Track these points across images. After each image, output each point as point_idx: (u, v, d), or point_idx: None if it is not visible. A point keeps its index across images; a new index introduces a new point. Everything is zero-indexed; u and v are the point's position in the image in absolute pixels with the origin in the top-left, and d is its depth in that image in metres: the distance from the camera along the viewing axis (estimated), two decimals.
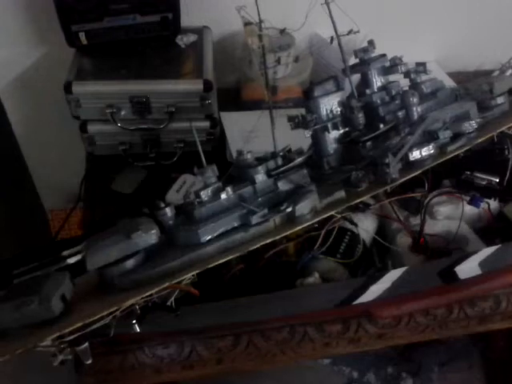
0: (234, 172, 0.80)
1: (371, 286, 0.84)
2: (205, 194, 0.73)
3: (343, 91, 0.86)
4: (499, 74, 1.07)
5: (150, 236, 0.67)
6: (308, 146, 0.86)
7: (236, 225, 0.72)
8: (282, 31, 0.91)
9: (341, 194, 0.77)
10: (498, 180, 1.05)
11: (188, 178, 1.09)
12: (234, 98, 1.30)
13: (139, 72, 1.09)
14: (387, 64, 0.90)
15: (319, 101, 0.82)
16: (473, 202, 1.00)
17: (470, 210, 1.03)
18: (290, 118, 0.83)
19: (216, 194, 0.73)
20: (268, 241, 0.69)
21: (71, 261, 0.65)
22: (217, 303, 0.77)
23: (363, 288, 0.84)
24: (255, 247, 0.68)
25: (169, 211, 0.71)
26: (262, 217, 0.71)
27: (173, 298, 0.68)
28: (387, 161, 0.78)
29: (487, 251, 0.90)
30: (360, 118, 0.82)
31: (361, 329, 0.93)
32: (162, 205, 0.73)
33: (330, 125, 0.81)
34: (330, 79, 0.84)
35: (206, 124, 1.12)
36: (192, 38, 1.19)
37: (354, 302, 0.85)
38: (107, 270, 0.65)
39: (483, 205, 1.01)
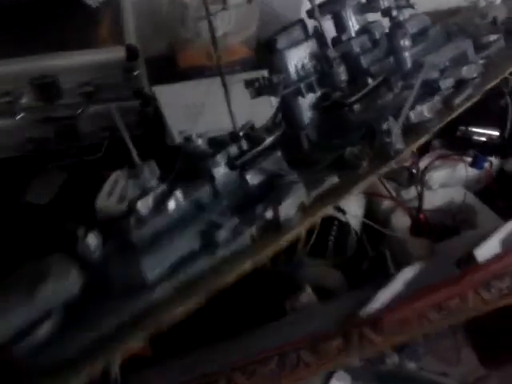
0: (182, 164, 0.58)
1: (379, 292, 0.64)
2: (143, 206, 0.51)
3: (313, 40, 0.64)
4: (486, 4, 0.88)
5: (64, 286, 0.45)
6: (272, 119, 0.64)
7: (197, 247, 0.50)
8: None
9: (333, 179, 0.56)
10: (498, 133, 0.88)
11: (121, 176, 0.85)
12: (168, 68, 1.05)
13: (38, 44, 0.83)
14: (363, 0, 0.69)
15: (285, 54, 0.60)
16: (475, 163, 0.82)
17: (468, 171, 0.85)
18: (249, 83, 0.61)
19: (160, 204, 0.51)
20: (247, 265, 0.48)
21: None
22: (178, 359, 0.55)
23: (369, 297, 0.64)
24: (230, 279, 0.47)
25: (92, 241, 0.48)
26: (233, 230, 0.49)
27: (116, 370, 0.45)
28: (386, 126, 0.57)
29: (508, 227, 0.72)
30: (341, 72, 0.61)
31: (364, 340, 0.74)
32: (81, 232, 0.50)
33: (303, 86, 0.60)
34: (295, 25, 0.62)
35: (135, 102, 0.88)
36: None
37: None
38: (7, 349, 0.42)
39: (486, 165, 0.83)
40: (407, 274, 0.65)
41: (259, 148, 0.55)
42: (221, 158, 0.54)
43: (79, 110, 0.85)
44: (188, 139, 0.56)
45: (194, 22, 0.94)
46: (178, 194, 0.52)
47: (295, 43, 0.61)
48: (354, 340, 0.74)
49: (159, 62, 1.04)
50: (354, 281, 0.72)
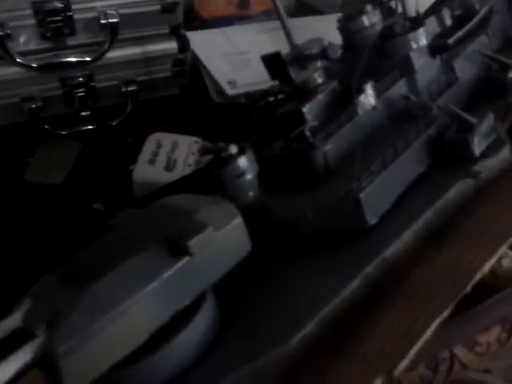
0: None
1: None
2: (313, 111, 0.31)
3: None
4: None
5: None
6: None
7: (423, 168, 0.33)
8: None
9: None
10: None
11: (164, 138, 0.63)
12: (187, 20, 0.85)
13: None
14: None
15: None
16: None
17: None
18: None
19: (335, 107, 0.32)
20: None
21: None
22: None
23: None
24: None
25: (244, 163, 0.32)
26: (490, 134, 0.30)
27: None
28: None
29: None
30: None
31: None
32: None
33: None
34: None
35: (173, 45, 0.66)
36: None
37: None
38: None
39: None
40: None
41: (471, 24, 0.35)
42: (420, 35, 0.33)
43: (100, 51, 0.61)
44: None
45: None
46: (369, 89, 0.32)
47: None
48: None
49: None
50: None
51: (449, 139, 0.33)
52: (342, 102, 0.35)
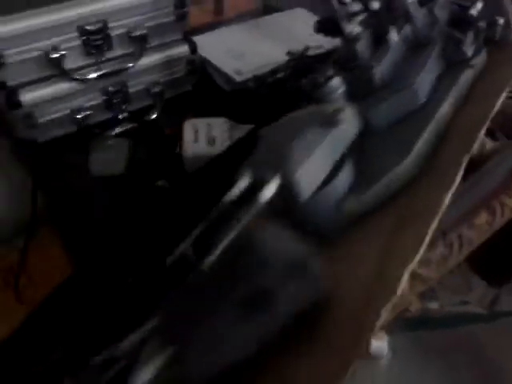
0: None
1: None
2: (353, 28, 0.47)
3: None
4: None
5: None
6: None
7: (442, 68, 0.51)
8: None
9: None
10: None
11: (198, 123, 0.76)
12: None
13: None
14: None
15: None
16: None
17: None
18: None
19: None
20: None
21: None
22: None
23: None
24: None
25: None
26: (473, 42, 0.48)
27: None
28: None
29: None
30: None
31: None
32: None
33: None
34: None
35: (185, 48, 0.80)
36: None
37: None
38: None
39: None
40: None
41: None
42: None
43: (133, 61, 0.74)
44: None
45: None
46: (393, 31, 0.48)
47: None
48: None
49: None
50: None
51: (450, 50, 0.50)
52: (375, 45, 0.51)
